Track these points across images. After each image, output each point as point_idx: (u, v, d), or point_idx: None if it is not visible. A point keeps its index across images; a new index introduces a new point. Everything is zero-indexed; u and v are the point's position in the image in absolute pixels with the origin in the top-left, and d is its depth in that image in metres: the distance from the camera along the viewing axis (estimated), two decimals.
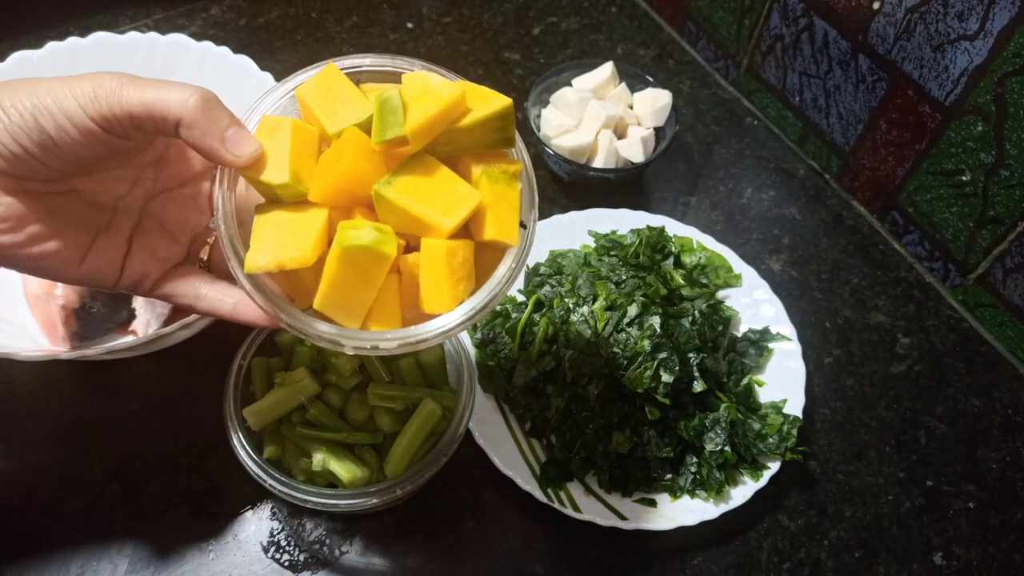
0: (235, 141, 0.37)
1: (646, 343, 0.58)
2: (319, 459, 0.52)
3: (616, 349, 0.59)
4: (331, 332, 0.37)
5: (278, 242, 0.36)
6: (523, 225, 0.40)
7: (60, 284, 0.60)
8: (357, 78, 0.41)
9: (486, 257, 0.39)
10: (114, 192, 0.41)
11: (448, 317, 0.37)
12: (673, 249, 0.70)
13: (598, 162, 0.75)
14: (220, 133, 0.37)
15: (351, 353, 0.37)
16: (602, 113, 0.75)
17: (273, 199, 0.38)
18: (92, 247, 0.40)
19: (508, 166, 0.39)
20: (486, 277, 0.39)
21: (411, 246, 0.38)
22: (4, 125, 0.35)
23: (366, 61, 0.42)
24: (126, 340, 0.54)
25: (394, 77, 0.42)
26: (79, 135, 0.36)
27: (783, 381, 0.64)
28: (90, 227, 0.40)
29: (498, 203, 0.38)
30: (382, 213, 0.37)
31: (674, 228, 0.72)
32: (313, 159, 0.38)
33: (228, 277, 0.42)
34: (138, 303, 0.60)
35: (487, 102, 0.38)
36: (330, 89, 0.39)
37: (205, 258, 0.44)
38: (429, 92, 0.37)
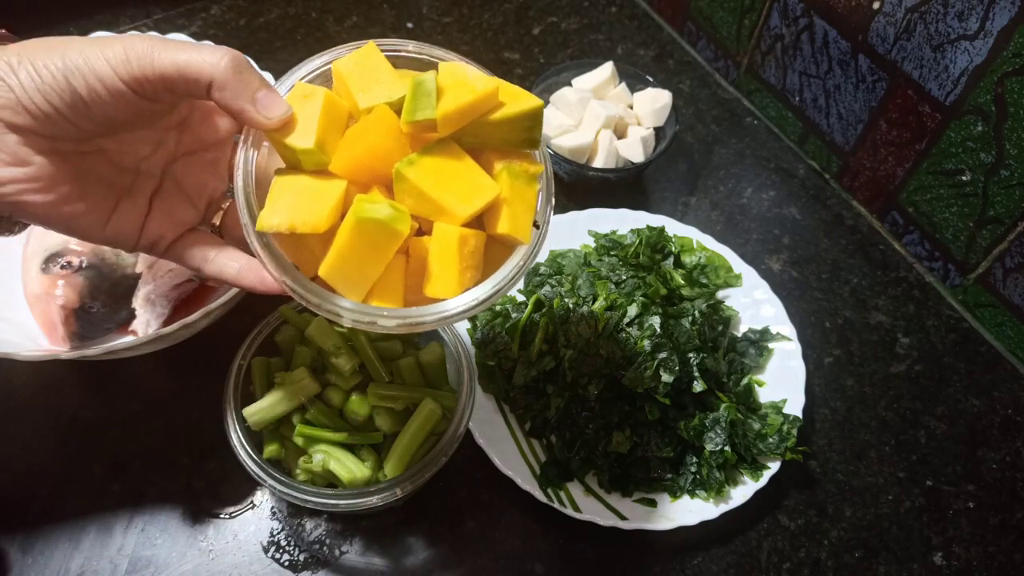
0: (266, 103, 0.38)
1: (646, 343, 0.58)
2: (319, 459, 0.52)
3: (616, 349, 0.59)
4: (332, 301, 0.37)
5: (294, 205, 0.37)
6: (536, 225, 0.40)
7: (60, 284, 0.60)
8: (395, 63, 0.41)
9: (494, 252, 0.40)
10: (137, 153, 0.42)
11: (450, 303, 0.38)
12: (673, 249, 0.70)
13: (598, 162, 0.75)
14: (251, 95, 0.37)
15: (348, 325, 0.37)
16: (602, 113, 0.75)
17: (294, 165, 0.39)
18: (116, 208, 0.41)
19: (530, 166, 0.40)
20: (491, 272, 0.39)
21: (423, 231, 0.39)
22: (36, 84, 0.36)
23: (408, 47, 0.42)
24: (126, 340, 0.54)
25: (431, 67, 0.42)
26: (109, 96, 0.37)
27: (783, 381, 0.64)
28: (115, 188, 0.41)
29: (515, 200, 0.38)
30: (400, 193, 0.37)
31: (674, 228, 0.72)
32: (339, 133, 0.39)
33: (238, 244, 0.43)
34: (138, 303, 0.60)
35: (519, 100, 0.39)
36: (367, 66, 0.39)
37: (218, 223, 0.45)
38: (464, 81, 0.38)
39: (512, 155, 0.40)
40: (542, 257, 0.70)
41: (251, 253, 0.40)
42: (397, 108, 0.38)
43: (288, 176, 0.38)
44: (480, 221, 0.39)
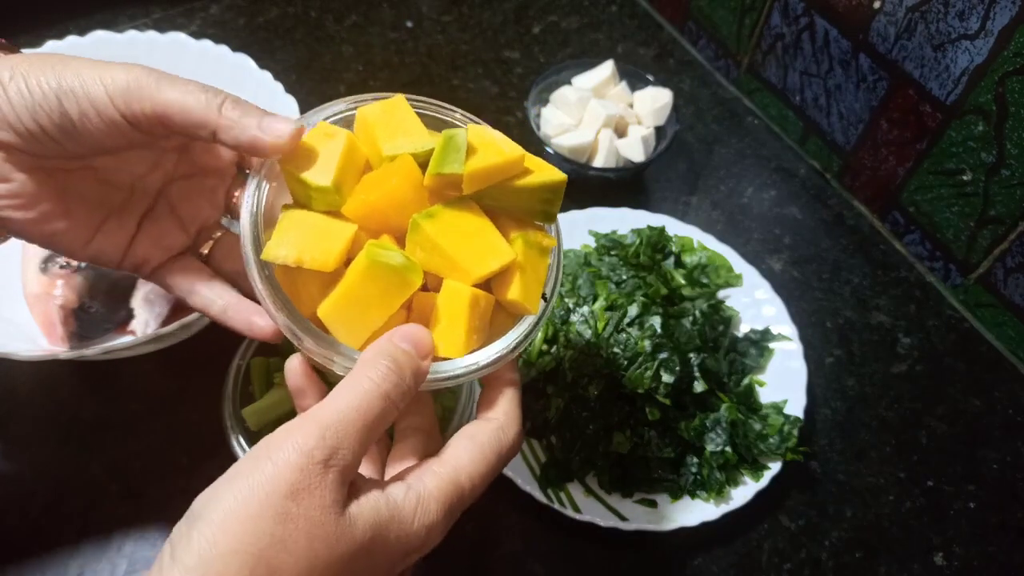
0: (272, 125, 0.36)
1: (646, 343, 0.58)
2: None
3: (616, 349, 0.59)
4: (332, 347, 0.35)
5: (303, 239, 0.35)
6: (544, 298, 0.39)
7: (59, 284, 0.60)
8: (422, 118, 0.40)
9: (498, 321, 0.39)
10: (132, 172, 0.41)
11: (448, 364, 0.36)
12: (674, 249, 0.70)
13: (598, 161, 0.75)
14: (257, 124, 0.36)
15: (340, 372, 0.35)
16: (602, 112, 0.75)
17: (304, 204, 0.38)
18: (102, 228, 0.40)
19: (544, 238, 0.39)
20: (491, 341, 0.38)
21: (427, 287, 0.38)
22: (26, 102, 0.34)
23: (430, 105, 0.42)
24: (125, 340, 0.54)
25: (448, 126, 0.42)
26: (102, 124, 0.35)
27: (784, 381, 0.64)
28: (102, 207, 0.40)
29: (528, 269, 0.38)
30: (412, 244, 0.36)
31: (675, 228, 0.72)
32: (355, 178, 0.38)
33: (225, 277, 0.42)
34: (136, 303, 0.60)
35: (543, 171, 0.39)
36: (395, 116, 0.39)
37: (206, 252, 0.43)
38: (493, 143, 0.38)
39: (527, 225, 0.39)
40: None
41: (241, 289, 0.39)
42: (421, 161, 0.37)
43: (298, 212, 0.37)
44: (488, 286, 0.38)
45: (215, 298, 0.41)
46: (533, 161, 0.39)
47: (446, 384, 0.36)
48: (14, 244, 0.65)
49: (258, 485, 0.29)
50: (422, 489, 0.33)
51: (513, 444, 0.36)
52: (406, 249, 0.37)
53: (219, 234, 0.44)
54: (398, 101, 0.40)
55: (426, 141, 0.38)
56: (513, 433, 0.36)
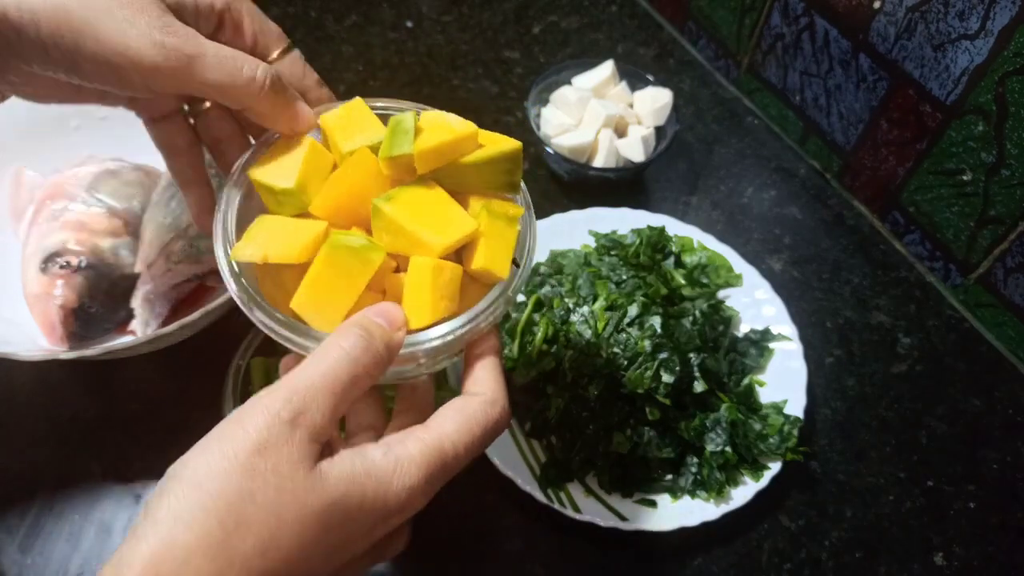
0: (293, 126, 0.40)
1: (646, 343, 0.58)
2: None
3: (616, 349, 0.59)
4: (304, 333, 0.36)
5: (270, 239, 0.37)
6: (515, 263, 0.40)
7: (59, 284, 0.60)
8: (383, 118, 0.41)
9: (473, 291, 0.39)
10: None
11: (421, 335, 0.37)
12: (674, 249, 0.70)
13: (598, 161, 0.75)
14: (285, 122, 0.40)
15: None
16: (602, 112, 0.75)
17: (275, 211, 0.39)
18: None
19: (510, 208, 0.40)
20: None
21: (399, 269, 0.39)
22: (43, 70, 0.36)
23: (391, 104, 0.43)
24: (125, 340, 0.54)
25: None
26: (131, 93, 0.38)
27: (784, 381, 0.64)
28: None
29: (493, 236, 0.38)
30: (377, 229, 0.38)
31: (675, 228, 0.72)
32: (322, 179, 0.39)
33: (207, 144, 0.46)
34: (137, 303, 0.60)
35: (497, 143, 0.39)
36: (352, 118, 0.41)
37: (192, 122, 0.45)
38: (443, 123, 0.39)
39: (493, 198, 0.40)
40: (542, 257, 0.70)
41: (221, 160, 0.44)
42: (378, 150, 0.39)
43: (269, 217, 0.39)
44: (458, 257, 0.39)
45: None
46: (487, 136, 0.40)
47: (420, 355, 0.37)
48: (14, 244, 0.65)
49: (227, 445, 0.30)
50: (403, 452, 0.33)
51: (500, 418, 0.36)
52: (373, 236, 0.38)
53: (207, 105, 0.44)
54: (356, 104, 0.41)
55: (381, 132, 0.40)
56: (500, 407, 0.37)
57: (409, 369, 0.41)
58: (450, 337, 0.37)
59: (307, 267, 0.36)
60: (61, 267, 0.60)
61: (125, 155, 0.70)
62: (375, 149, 0.39)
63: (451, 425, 0.35)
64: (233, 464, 0.30)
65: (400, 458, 0.33)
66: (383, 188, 0.39)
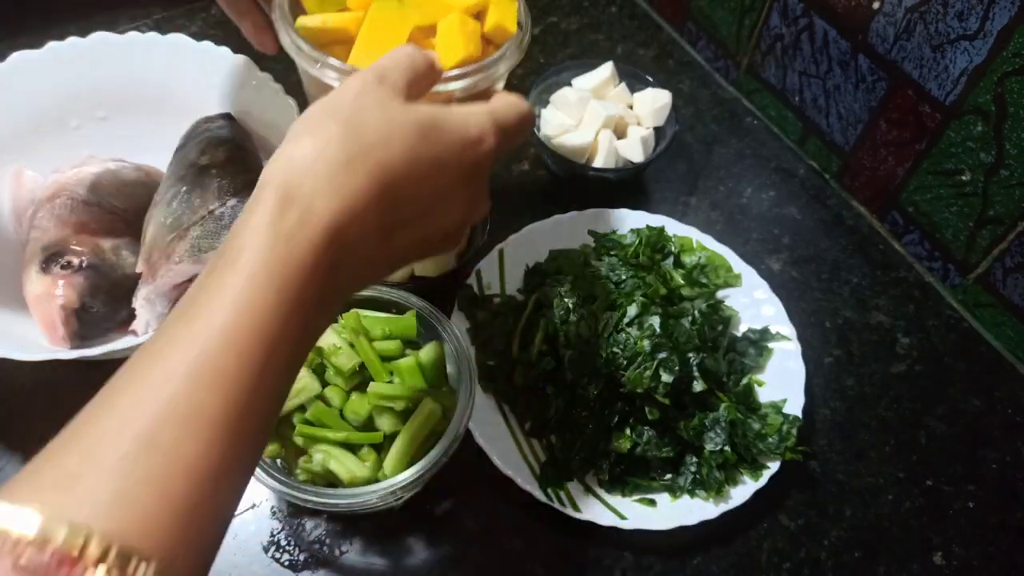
0: None
1: (646, 343, 0.58)
2: (319, 459, 0.52)
3: (616, 349, 0.59)
4: (325, 60, 0.48)
5: (324, 16, 0.51)
6: (520, 26, 0.54)
7: (60, 284, 0.60)
8: None
9: (490, 53, 0.53)
10: None
11: (454, 71, 0.49)
12: (673, 249, 0.70)
13: (598, 162, 0.75)
14: None
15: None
16: (602, 113, 0.75)
17: (318, 11, 0.52)
18: None
19: None
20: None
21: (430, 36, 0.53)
22: None
23: None
24: (127, 340, 0.54)
25: None
26: None
27: (783, 381, 0.64)
28: None
29: (500, 5, 0.53)
30: (411, 5, 0.50)
31: (674, 228, 0.72)
32: None
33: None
34: (138, 303, 0.60)
35: None
36: None
37: None
38: None
39: None
40: (542, 257, 0.70)
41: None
42: None
43: (320, 4, 0.52)
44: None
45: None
46: None
47: (460, 83, 0.49)
48: (15, 244, 0.65)
49: (328, 101, 0.37)
50: (471, 106, 0.40)
51: (530, 109, 0.42)
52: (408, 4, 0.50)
53: None
54: None
55: None
56: (527, 104, 0.42)
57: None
58: (478, 75, 0.50)
59: (351, 46, 0.48)
60: (62, 267, 0.60)
61: (125, 155, 0.70)
62: None
63: (499, 102, 0.41)
64: (340, 102, 0.36)
65: (471, 108, 0.39)
66: None
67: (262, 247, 0.32)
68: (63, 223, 0.62)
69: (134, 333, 0.61)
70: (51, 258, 0.61)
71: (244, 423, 0.30)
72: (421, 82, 0.40)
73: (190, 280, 0.63)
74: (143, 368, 0.32)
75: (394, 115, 0.36)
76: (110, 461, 0.27)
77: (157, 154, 0.71)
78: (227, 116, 0.70)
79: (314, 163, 0.33)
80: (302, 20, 0.50)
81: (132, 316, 0.61)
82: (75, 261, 0.61)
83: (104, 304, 0.61)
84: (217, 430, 0.29)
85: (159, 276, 0.61)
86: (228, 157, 0.65)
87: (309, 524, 0.58)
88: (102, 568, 0.24)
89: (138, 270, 0.61)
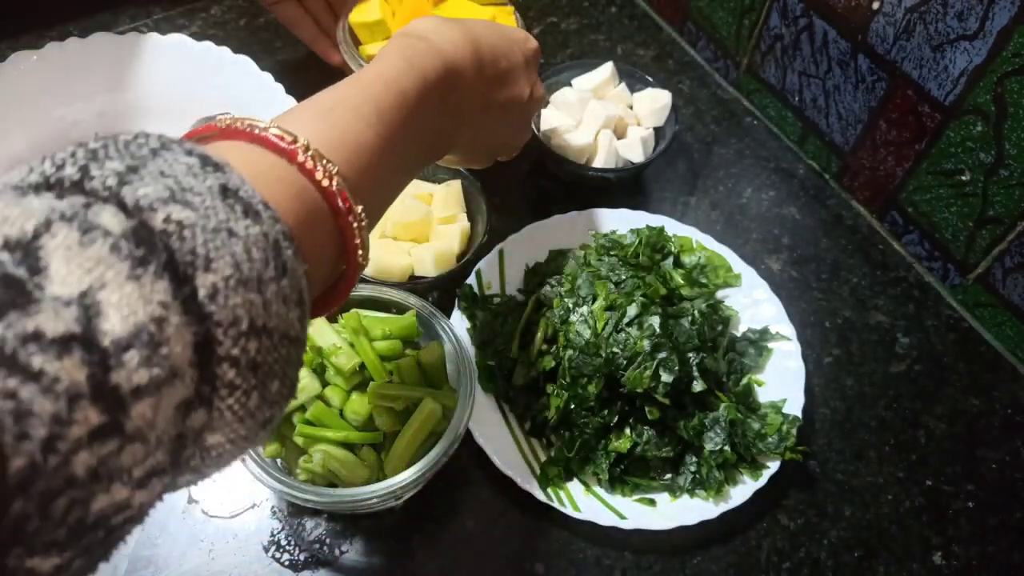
0: None
1: (645, 343, 0.58)
2: (319, 459, 0.52)
3: (616, 349, 0.59)
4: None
5: (376, 38, 0.72)
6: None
7: None
8: None
9: None
10: None
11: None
12: (673, 249, 0.70)
13: (598, 162, 0.75)
14: None
15: None
16: (602, 113, 0.75)
17: (369, 41, 0.72)
18: None
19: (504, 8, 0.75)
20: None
21: None
22: None
23: None
24: None
25: None
26: None
27: (783, 381, 0.64)
28: None
29: (503, 21, 0.71)
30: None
31: (674, 228, 0.72)
32: (392, 14, 0.72)
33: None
34: None
35: None
36: None
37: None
38: None
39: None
40: (542, 257, 0.70)
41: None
42: None
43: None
44: None
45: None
46: None
47: None
48: None
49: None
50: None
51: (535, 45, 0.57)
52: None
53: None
54: None
55: None
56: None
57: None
58: None
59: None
60: None
61: None
62: None
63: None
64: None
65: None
66: (430, 4, 0.72)
67: (397, 59, 0.43)
68: None
69: None
70: None
71: (401, 138, 0.42)
72: None
73: None
74: (345, 85, 0.42)
75: (466, 19, 0.50)
76: (327, 112, 0.39)
77: None
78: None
79: (426, 23, 0.47)
80: (363, 48, 0.71)
81: None
82: None
83: None
84: (388, 127, 0.41)
85: None
86: None
87: (309, 524, 0.58)
88: (307, 155, 0.35)
89: None
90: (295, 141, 0.35)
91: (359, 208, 0.36)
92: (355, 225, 0.36)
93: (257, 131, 0.35)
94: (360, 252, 0.38)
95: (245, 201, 0.29)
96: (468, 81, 0.47)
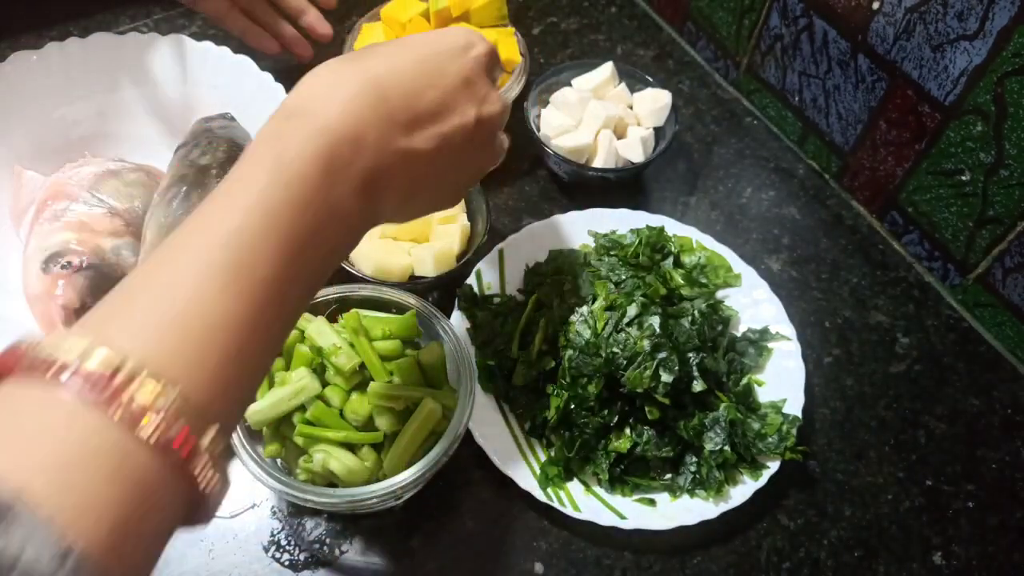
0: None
1: (646, 343, 0.58)
2: (319, 459, 0.52)
3: (616, 349, 0.59)
4: None
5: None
6: (521, 55, 0.77)
7: (60, 284, 0.60)
8: None
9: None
10: None
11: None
12: (673, 249, 0.70)
13: (598, 162, 0.75)
14: None
15: None
16: (602, 113, 0.75)
17: None
18: None
19: (505, 29, 0.79)
20: None
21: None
22: None
23: None
24: None
25: None
26: None
27: (782, 381, 0.64)
28: None
29: (502, 40, 0.76)
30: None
31: (674, 228, 0.72)
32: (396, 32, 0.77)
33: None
34: None
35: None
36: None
37: None
38: None
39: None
40: (542, 257, 0.70)
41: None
42: (426, 14, 0.76)
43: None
44: None
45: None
46: None
47: None
48: (15, 245, 0.65)
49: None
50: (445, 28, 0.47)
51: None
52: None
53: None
54: None
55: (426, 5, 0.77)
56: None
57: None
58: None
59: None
60: (62, 267, 0.60)
61: (126, 155, 0.70)
62: (425, 14, 0.76)
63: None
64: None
65: (450, 27, 0.48)
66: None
67: (265, 160, 0.35)
68: (64, 223, 0.62)
69: None
70: (51, 258, 0.60)
71: (283, 285, 0.33)
72: None
73: None
74: (188, 233, 0.33)
75: (399, 41, 0.43)
76: (154, 305, 0.30)
77: (157, 154, 0.71)
78: (227, 116, 0.70)
79: (312, 85, 0.38)
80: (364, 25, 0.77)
81: None
82: (75, 261, 0.60)
83: None
84: (255, 273, 0.32)
85: None
86: (228, 156, 0.65)
87: (309, 524, 0.58)
88: (134, 385, 0.26)
89: None
90: (111, 380, 0.26)
91: (208, 437, 0.29)
92: (200, 471, 0.28)
93: (56, 372, 0.26)
94: (212, 489, 0.30)
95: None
96: (374, 141, 0.37)
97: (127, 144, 0.72)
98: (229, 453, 0.34)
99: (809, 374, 0.64)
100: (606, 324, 0.60)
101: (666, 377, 0.57)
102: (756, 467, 0.59)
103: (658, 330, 0.59)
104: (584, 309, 0.62)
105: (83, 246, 0.61)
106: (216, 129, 0.68)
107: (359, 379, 0.55)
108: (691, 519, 0.57)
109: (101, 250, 0.62)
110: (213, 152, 0.65)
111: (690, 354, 0.59)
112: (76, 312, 0.59)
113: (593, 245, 0.71)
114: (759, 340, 0.66)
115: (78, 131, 0.71)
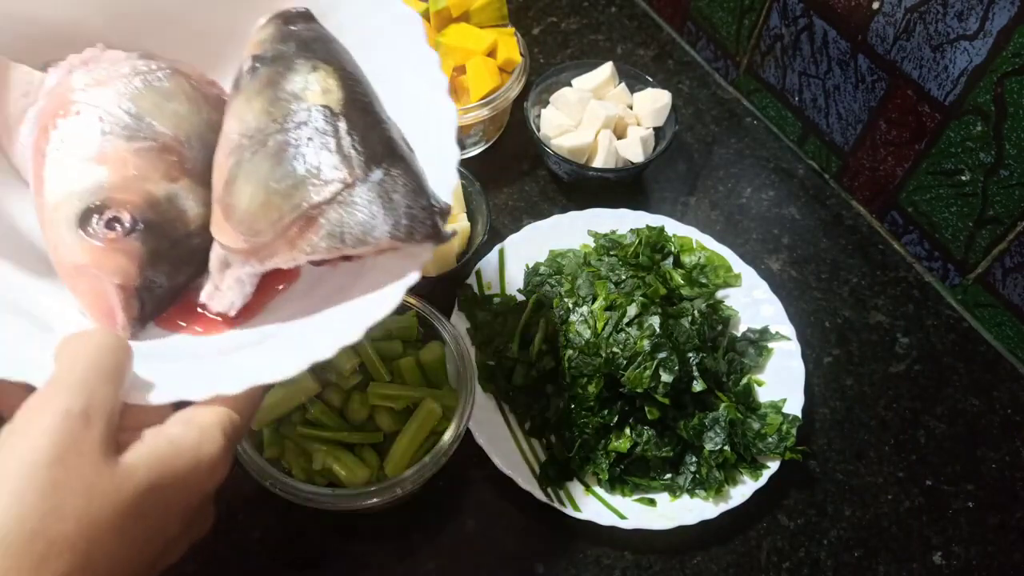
0: None
1: (645, 343, 0.58)
2: (319, 459, 0.52)
3: (615, 349, 0.59)
4: None
5: None
6: (521, 55, 0.77)
7: (113, 252, 0.41)
8: None
9: (505, 78, 0.76)
10: None
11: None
12: (672, 249, 0.70)
13: (598, 162, 0.75)
14: None
15: None
16: (602, 113, 0.75)
17: None
18: None
19: (505, 29, 0.78)
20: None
21: (460, 74, 0.76)
22: None
23: None
24: (187, 339, 0.42)
25: None
26: None
27: (782, 381, 0.64)
28: None
29: (505, 41, 0.76)
30: (443, 55, 0.69)
31: (673, 228, 0.72)
32: None
33: None
34: (227, 282, 0.42)
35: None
36: None
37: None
38: None
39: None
40: (542, 257, 0.70)
41: None
42: (426, 14, 0.74)
43: None
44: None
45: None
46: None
47: (487, 109, 0.75)
48: (14, 183, 0.45)
49: (20, 457, 0.28)
50: (203, 420, 0.33)
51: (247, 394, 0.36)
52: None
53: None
54: None
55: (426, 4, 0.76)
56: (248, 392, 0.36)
57: None
58: (499, 99, 0.74)
59: None
60: (108, 226, 0.40)
61: (153, 47, 0.46)
62: (425, 14, 0.73)
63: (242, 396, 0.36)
64: (28, 484, 0.28)
65: (203, 426, 0.33)
66: (434, 32, 0.75)
67: None
68: (92, 156, 0.41)
69: (198, 307, 0.43)
70: (89, 212, 0.40)
71: None
72: (123, 379, 0.33)
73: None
74: None
75: (102, 507, 0.29)
76: None
77: (197, 50, 0.47)
78: (306, 14, 0.45)
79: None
80: None
81: (188, 286, 0.44)
82: (125, 218, 0.40)
83: (168, 277, 0.42)
84: None
85: (270, 261, 0.39)
86: (347, 96, 0.40)
87: (310, 524, 0.58)
88: None
89: (224, 240, 0.40)
90: None
91: None
92: None
93: None
94: None
95: None
96: None
97: (153, 33, 0.47)
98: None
99: (809, 374, 0.64)
100: (606, 324, 0.60)
101: (666, 377, 0.57)
102: (756, 467, 0.59)
103: (658, 330, 0.59)
104: (584, 309, 0.62)
105: (128, 193, 0.40)
106: (306, 36, 0.43)
107: (359, 379, 0.55)
108: (691, 519, 0.57)
109: (154, 199, 0.41)
110: (324, 82, 0.41)
111: (690, 354, 0.59)
112: (137, 291, 0.41)
113: (593, 245, 0.71)
114: (759, 340, 0.66)
115: (83, 8, 0.46)
